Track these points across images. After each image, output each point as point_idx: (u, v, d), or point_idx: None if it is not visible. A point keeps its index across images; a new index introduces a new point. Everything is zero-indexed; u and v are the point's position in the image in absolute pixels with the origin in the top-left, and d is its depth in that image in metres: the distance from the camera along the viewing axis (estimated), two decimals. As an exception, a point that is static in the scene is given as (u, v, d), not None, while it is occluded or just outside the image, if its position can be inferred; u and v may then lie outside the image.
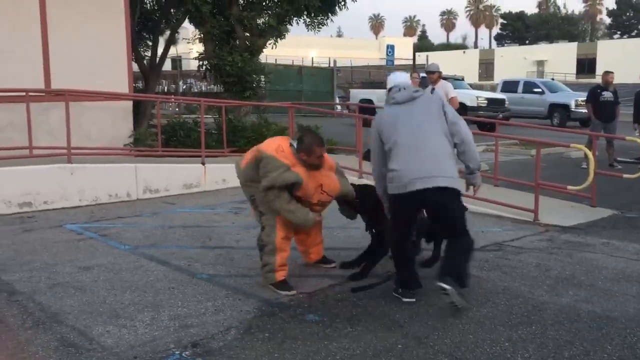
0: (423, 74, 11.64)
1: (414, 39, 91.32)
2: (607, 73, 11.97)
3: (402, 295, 4.40)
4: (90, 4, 9.68)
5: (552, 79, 32.79)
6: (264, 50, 13.81)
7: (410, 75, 11.87)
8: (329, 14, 13.64)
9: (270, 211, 4.60)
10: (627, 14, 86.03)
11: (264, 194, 4.51)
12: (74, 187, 7.90)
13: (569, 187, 7.27)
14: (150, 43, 14.87)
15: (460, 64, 59.28)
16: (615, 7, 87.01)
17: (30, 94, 8.23)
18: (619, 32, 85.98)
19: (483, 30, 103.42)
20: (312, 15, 13.28)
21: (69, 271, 5.12)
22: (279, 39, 13.51)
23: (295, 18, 13.38)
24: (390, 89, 4.52)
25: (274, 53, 16.87)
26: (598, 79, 15.77)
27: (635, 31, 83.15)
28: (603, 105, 11.52)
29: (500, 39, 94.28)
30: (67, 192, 7.85)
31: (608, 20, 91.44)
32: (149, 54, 14.78)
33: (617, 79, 13.81)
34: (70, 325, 3.95)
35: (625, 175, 8.13)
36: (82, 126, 9.30)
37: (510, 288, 4.70)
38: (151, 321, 4.02)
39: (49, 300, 4.41)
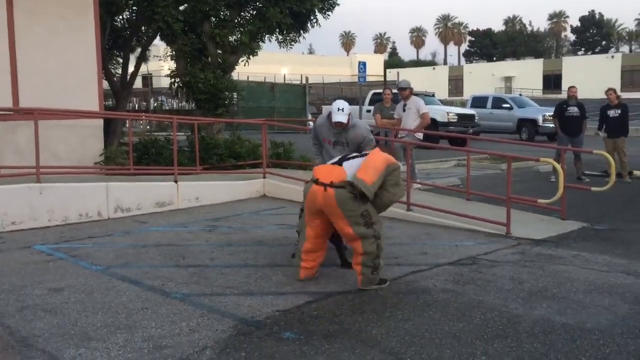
0: (395, 91, 11.77)
1: (385, 56, 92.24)
2: (570, 88, 12.31)
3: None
4: (60, 20, 9.56)
5: (520, 95, 33.48)
6: (236, 67, 13.81)
7: (383, 91, 12.02)
8: (301, 32, 13.69)
9: (379, 218, 5.11)
10: (591, 31, 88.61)
11: (395, 194, 5.08)
12: (43, 207, 7.73)
13: (540, 200, 7.38)
14: (120, 60, 14.73)
15: (430, 80, 60.20)
16: (579, 24, 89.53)
17: (-2, 112, 8.09)
18: (583, 49, 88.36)
19: (452, 47, 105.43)
20: (284, 32, 13.32)
21: (38, 293, 5.00)
22: (251, 56, 13.52)
23: (267, 35, 13.42)
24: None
25: (246, 70, 16.88)
26: (564, 95, 16.16)
27: (599, 47, 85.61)
28: (569, 119, 11.79)
29: (469, 56, 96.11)
30: (36, 212, 7.68)
31: (572, 37, 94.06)
32: (119, 71, 14.66)
33: (582, 95, 14.18)
34: (41, 349, 3.84)
35: (593, 189, 8.29)
36: (51, 145, 9.14)
37: (485, 301, 4.73)
38: (124, 343, 3.94)
39: (18, 324, 4.29)
